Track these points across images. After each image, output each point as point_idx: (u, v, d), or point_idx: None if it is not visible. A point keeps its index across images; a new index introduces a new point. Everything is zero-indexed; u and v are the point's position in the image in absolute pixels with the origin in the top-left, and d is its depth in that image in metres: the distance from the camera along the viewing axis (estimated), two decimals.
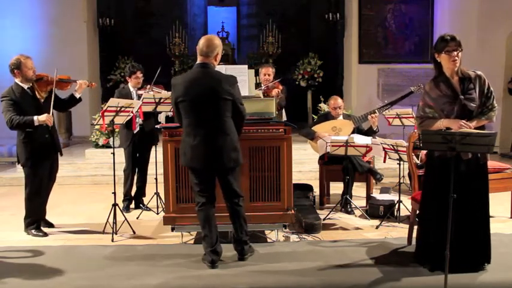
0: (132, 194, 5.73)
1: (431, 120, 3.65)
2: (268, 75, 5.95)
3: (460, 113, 3.58)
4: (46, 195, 4.91)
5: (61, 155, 4.96)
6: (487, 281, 3.51)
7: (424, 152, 4.94)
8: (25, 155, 4.60)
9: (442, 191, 3.58)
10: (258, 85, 6.04)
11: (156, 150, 5.61)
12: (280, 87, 5.88)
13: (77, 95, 4.88)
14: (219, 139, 3.70)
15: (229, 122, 3.75)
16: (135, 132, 5.50)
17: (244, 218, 3.90)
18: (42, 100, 4.66)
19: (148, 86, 5.66)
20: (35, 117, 4.46)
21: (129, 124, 5.36)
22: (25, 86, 4.60)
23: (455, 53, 3.55)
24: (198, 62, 3.77)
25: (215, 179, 3.87)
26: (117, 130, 5.83)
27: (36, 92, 4.64)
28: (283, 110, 5.88)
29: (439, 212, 3.60)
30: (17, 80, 4.59)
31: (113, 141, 5.17)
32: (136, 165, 5.68)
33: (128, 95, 5.46)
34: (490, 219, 4.91)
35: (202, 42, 3.75)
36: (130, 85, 5.62)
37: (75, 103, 4.96)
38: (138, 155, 5.66)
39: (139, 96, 5.50)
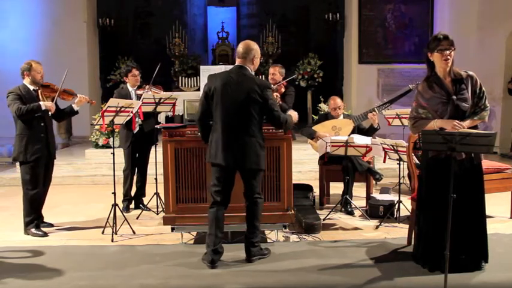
0: (132, 194, 5.73)
1: (425, 120, 3.66)
2: (273, 74, 5.94)
3: (453, 114, 3.59)
4: (43, 195, 4.92)
5: (54, 158, 4.98)
6: (487, 280, 3.51)
7: None
8: (19, 149, 4.71)
9: (437, 191, 3.59)
10: None
11: (156, 151, 5.61)
12: (282, 90, 5.87)
13: (75, 108, 4.98)
14: (243, 140, 3.76)
15: (256, 125, 3.81)
16: (134, 132, 5.50)
17: (257, 219, 3.92)
18: None
19: (147, 86, 5.66)
20: (41, 103, 4.65)
21: (128, 124, 5.37)
22: (31, 88, 4.76)
23: (448, 52, 3.56)
24: (236, 63, 3.90)
25: (234, 180, 3.91)
26: (117, 130, 5.84)
27: (40, 96, 4.79)
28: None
29: (435, 213, 3.61)
30: (25, 82, 4.78)
31: (113, 141, 5.17)
32: (136, 165, 5.68)
33: (127, 96, 5.46)
34: (490, 219, 4.95)
35: (240, 45, 3.92)
36: (128, 85, 5.62)
37: (72, 114, 5.07)
38: (137, 155, 5.66)
39: (138, 96, 5.51)
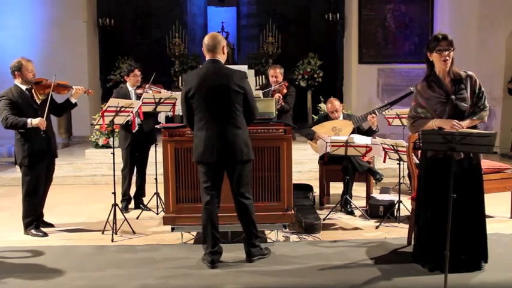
0: (131, 194, 5.72)
1: (424, 120, 3.67)
2: (276, 76, 5.95)
3: (452, 113, 3.59)
4: (43, 196, 4.91)
5: (56, 157, 4.96)
6: (487, 281, 3.51)
7: None
8: (21, 154, 4.66)
9: (436, 191, 3.59)
10: (268, 85, 6.06)
11: (156, 150, 5.61)
12: (285, 91, 5.88)
13: (73, 100, 4.93)
14: (231, 133, 3.75)
15: (241, 116, 3.82)
16: (134, 132, 5.48)
17: (252, 219, 3.90)
18: (39, 102, 4.71)
19: (147, 85, 5.65)
20: (29, 120, 4.53)
21: (127, 125, 5.34)
22: (24, 88, 4.68)
23: (447, 52, 3.56)
24: (207, 58, 3.87)
25: (223, 175, 3.88)
26: (117, 130, 5.83)
27: (34, 94, 4.71)
28: (289, 113, 5.87)
29: (434, 212, 3.61)
30: (17, 82, 4.69)
31: (113, 141, 5.17)
32: (135, 165, 5.68)
33: (126, 95, 5.44)
34: (490, 219, 4.95)
35: (207, 39, 3.87)
36: (128, 84, 5.60)
37: (70, 108, 5.02)
38: (137, 154, 5.64)
39: (137, 96, 5.50)
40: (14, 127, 4.54)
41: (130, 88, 5.59)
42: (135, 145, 5.56)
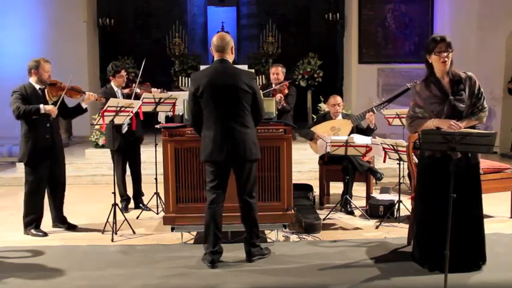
0: (129, 194, 5.72)
1: (421, 120, 3.68)
2: (277, 74, 5.95)
3: (450, 114, 3.60)
4: (58, 199, 4.92)
5: (59, 160, 4.93)
6: (487, 280, 3.51)
7: None
8: (23, 150, 4.68)
9: (432, 190, 3.60)
10: (268, 85, 6.06)
11: (156, 150, 5.61)
12: (286, 91, 5.88)
13: (84, 106, 4.93)
14: (240, 131, 3.76)
15: (249, 115, 3.83)
16: (123, 132, 5.44)
17: (255, 219, 3.91)
18: (50, 103, 4.71)
19: (134, 85, 5.60)
20: (41, 106, 4.55)
21: (117, 126, 5.26)
22: (37, 87, 4.69)
23: (445, 54, 3.57)
24: (215, 58, 3.88)
25: (230, 175, 3.89)
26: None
27: (47, 95, 4.73)
28: (290, 113, 5.88)
29: (432, 212, 3.61)
30: (31, 80, 4.70)
31: (112, 141, 5.16)
32: (129, 166, 5.67)
33: (112, 95, 5.37)
34: (490, 219, 4.95)
35: (215, 39, 3.88)
36: (113, 84, 5.54)
37: (80, 113, 5.03)
38: (128, 155, 5.62)
39: (124, 96, 5.46)
40: (27, 114, 4.53)
41: (116, 88, 5.54)
42: (125, 146, 5.51)
